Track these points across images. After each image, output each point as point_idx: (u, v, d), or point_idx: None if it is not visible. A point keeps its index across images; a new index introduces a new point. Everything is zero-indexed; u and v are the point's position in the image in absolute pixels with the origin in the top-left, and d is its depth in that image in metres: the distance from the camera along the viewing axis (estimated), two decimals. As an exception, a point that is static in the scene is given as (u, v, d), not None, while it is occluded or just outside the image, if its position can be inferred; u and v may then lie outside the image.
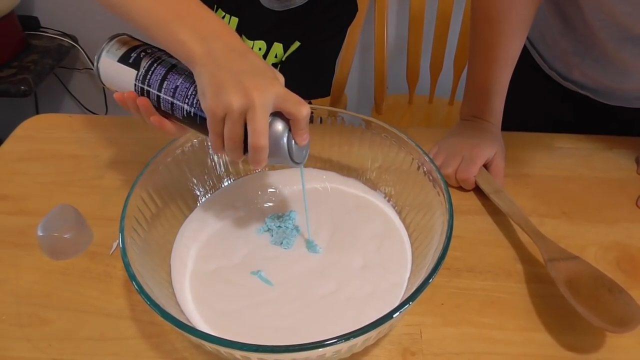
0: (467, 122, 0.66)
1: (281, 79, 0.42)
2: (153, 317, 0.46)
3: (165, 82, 0.44)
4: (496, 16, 0.60)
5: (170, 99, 0.44)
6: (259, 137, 0.39)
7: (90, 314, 0.47)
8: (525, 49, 0.75)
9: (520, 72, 0.66)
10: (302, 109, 0.40)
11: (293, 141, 0.42)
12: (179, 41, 0.41)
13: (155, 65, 0.44)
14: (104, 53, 0.46)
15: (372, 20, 1.15)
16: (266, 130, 0.40)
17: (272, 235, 0.52)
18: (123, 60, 0.45)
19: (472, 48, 0.65)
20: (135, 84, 0.45)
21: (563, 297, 0.45)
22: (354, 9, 0.75)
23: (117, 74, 0.46)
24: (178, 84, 0.43)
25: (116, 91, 0.47)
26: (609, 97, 0.70)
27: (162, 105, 0.45)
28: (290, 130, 0.42)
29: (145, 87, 0.45)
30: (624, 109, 0.70)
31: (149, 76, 0.44)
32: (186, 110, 0.44)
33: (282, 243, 0.50)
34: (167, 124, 0.46)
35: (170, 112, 0.45)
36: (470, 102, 0.67)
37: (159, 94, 0.44)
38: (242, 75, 0.39)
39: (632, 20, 0.56)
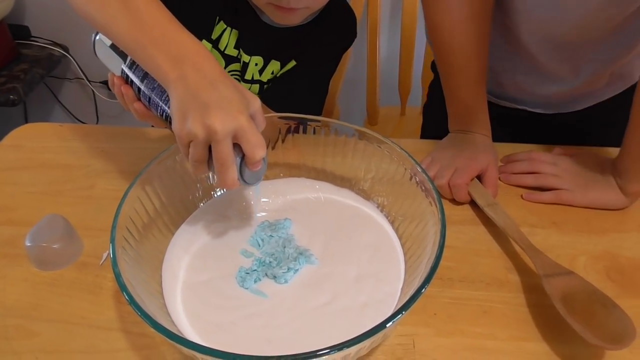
0: (458, 134, 0.67)
1: (254, 105, 0.44)
2: (144, 328, 0.46)
3: (146, 80, 0.47)
4: (460, 43, 0.62)
5: (148, 94, 0.47)
6: (223, 166, 0.42)
7: (79, 325, 0.46)
8: None
9: None
10: (256, 152, 0.42)
11: (247, 167, 0.44)
12: (155, 64, 0.43)
13: None
14: (99, 35, 0.50)
15: (365, 33, 1.16)
16: (230, 159, 0.42)
17: (261, 246, 0.51)
18: (114, 46, 0.49)
19: (442, 72, 0.66)
20: (122, 70, 0.48)
21: (555, 307, 0.46)
22: (353, 36, 0.76)
23: (108, 57, 0.50)
24: (156, 85, 0.46)
25: (107, 69, 0.51)
26: (547, 106, 0.72)
27: (142, 98, 0.48)
28: (244, 156, 0.43)
29: (130, 77, 0.48)
30: (561, 115, 0.72)
31: (134, 68, 0.48)
32: (161, 108, 0.47)
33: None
34: (149, 113, 0.49)
35: (148, 105, 0.48)
36: (456, 118, 0.67)
37: (140, 87, 0.48)
38: (207, 107, 0.41)
39: (553, 26, 0.59)
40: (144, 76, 0.47)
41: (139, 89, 0.48)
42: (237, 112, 0.41)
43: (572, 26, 0.59)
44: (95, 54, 0.51)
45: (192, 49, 0.43)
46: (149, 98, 0.47)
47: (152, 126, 0.54)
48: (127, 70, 0.48)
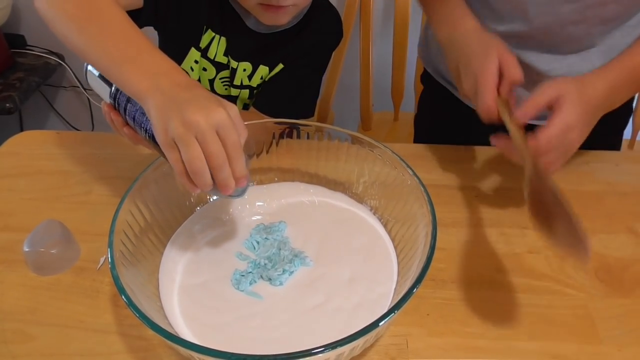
0: (451, 41, 0.61)
1: (232, 110, 0.43)
2: (141, 331, 0.46)
3: (129, 104, 0.48)
4: None
5: (133, 115, 0.48)
6: (216, 159, 0.40)
7: (76, 329, 0.47)
8: (438, 84, 0.78)
9: (442, 110, 0.68)
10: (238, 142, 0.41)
11: None
12: (129, 80, 0.44)
13: None
14: (89, 67, 0.51)
15: (358, 39, 1.18)
16: (220, 150, 0.40)
17: (256, 248, 0.52)
18: (102, 76, 0.50)
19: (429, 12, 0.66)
20: (110, 95, 0.50)
21: (544, 306, 0.47)
22: (339, 35, 0.77)
23: (97, 87, 0.51)
24: (138, 107, 0.47)
25: (101, 99, 0.52)
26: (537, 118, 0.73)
27: (129, 121, 0.49)
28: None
29: (116, 104, 0.49)
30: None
31: (118, 94, 0.49)
32: (144, 129, 0.47)
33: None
34: (139, 137, 0.49)
35: (134, 127, 0.49)
36: (443, 25, 0.63)
37: (125, 111, 0.48)
38: (185, 103, 0.41)
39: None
40: (128, 99, 0.48)
41: (125, 110, 0.48)
42: (217, 106, 0.41)
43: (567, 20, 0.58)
44: (88, 83, 0.52)
45: (166, 65, 0.45)
46: (134, 118, 0.47)
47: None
48: (113, 95, 0.49)
